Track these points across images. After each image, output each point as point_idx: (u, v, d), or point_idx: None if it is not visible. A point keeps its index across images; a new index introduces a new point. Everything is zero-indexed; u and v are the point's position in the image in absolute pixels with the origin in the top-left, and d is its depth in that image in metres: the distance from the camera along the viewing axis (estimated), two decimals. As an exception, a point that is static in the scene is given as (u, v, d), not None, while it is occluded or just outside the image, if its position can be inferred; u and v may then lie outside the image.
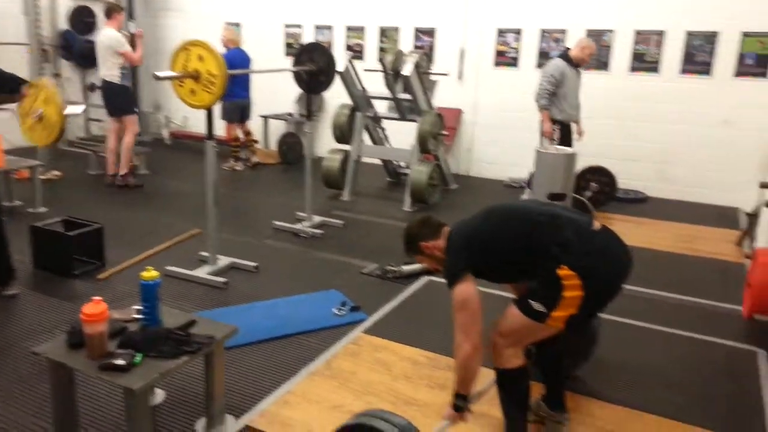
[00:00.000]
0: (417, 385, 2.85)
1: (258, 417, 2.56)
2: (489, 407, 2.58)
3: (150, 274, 2.31)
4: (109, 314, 2.22)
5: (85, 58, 7.95)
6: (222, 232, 4.68)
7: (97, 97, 7.48)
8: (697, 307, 3.88)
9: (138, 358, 2.12)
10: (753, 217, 5.05)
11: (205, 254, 4.23)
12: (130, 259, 4.27)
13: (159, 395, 2.69)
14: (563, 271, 2.01)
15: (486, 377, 2.39)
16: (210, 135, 3.86)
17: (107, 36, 5.98)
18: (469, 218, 2.33)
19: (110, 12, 6.09)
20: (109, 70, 6.03)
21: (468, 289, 2.12)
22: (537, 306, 2.07)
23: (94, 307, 2.11)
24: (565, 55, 5.63)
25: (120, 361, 2.07)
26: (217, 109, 7.22)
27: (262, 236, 4.98)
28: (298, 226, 5.11)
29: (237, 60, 6.96)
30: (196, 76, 3.59)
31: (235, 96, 7.01)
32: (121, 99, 6.22)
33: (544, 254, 2.07)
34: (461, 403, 2.20)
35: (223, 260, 4.22)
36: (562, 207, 2.41)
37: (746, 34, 6.08)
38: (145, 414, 2.11)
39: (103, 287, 3.83)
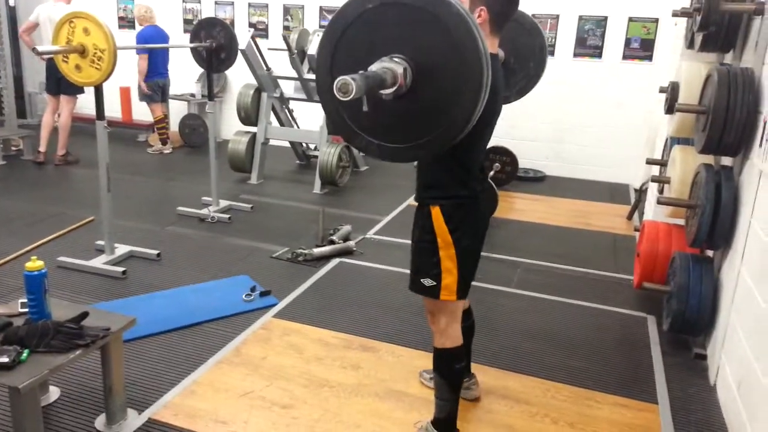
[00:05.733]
0: (329, 367, 2.83)
1: (162, 409, 2.45)
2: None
3: (34, 264, 2.13)
4: (-11, 309, 2.03)
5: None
6: (121, 220, 4.43)
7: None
8: (591, 278, 4.11)
9: (24, 354, 1.96)
10: (641, 192, 5.41)
11: (101, 243, 3.98)
12: (17, 251, 3.94)
13: (54, 393, 2.51)
14: (437, 217, 2.04)
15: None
16: (100, 115, 3.61)
17: (62, 11, 5.41)
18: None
19: None
20: None
21: None
22: (427, 282, 2.11)
23: (-30, 302, 1.93)
24: None
25: (3, 359, 1.90)
26: (135, 91, 7.01)
27: (165, 223, 4.76)
28: (203, 211, 4.92)
29: (153, 39, 6.61)
30: (81, 51, 3.34)
31: (157, 75, 6.83)
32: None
33: (460, 165, 2.05)
34: None
35: (122, 249, 3.99)
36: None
37: (631, 19, 6.47)
38: (34, 414, 1.96)
39: (-16, 282, 3.52)
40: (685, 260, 3.13)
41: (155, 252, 4.02)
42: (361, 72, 1.59)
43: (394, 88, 1.66)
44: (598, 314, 3.57)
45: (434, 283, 2.11)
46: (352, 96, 1.51)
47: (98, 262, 3.80)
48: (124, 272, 3.72)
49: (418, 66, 1.68)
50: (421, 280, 2.14)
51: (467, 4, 2.00)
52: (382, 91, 1.66)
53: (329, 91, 1.63)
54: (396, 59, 1.67)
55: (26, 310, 2.20)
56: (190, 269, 3.89)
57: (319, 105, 6.08)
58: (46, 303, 2.19)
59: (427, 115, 1.73)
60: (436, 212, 2.06)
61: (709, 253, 3.30)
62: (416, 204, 2.18)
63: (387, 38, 1.69)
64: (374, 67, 1.64)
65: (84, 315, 2.23)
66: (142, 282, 3.66)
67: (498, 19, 2.05)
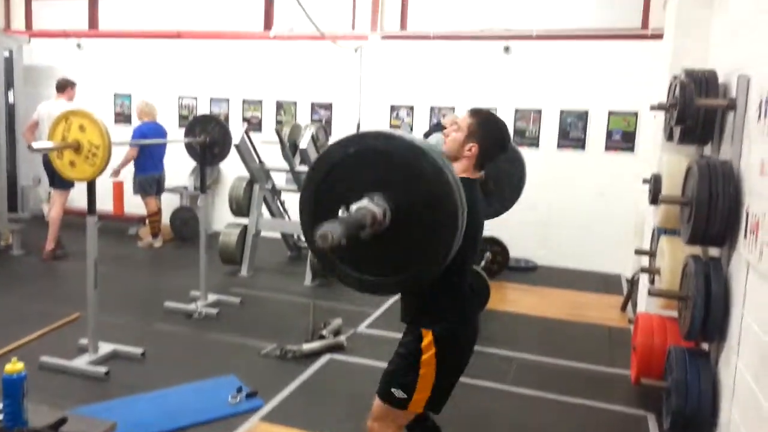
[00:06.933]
0: (318, 474, 2.69)
1: None
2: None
3: (14, 366, 2.05)
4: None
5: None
6: (107, 316, 4.34)
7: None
8: (587, 374, 4.01)
9: (-6, 470, 1.85)
10: (633, 282, 5.40)
11: (84, 342, 3.87)
12: (-3, 350, 3.83)
13: None
14: (426, 337, 2.06)
15: None
16: (91, 210, 3.63)
17: (62, 108, 5.58)
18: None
19: (64, 86, 6.32)
20: None
21: None
22: (398, 394, 2.10)
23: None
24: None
25: (-30, 477, 1.79)
26: (129, 185, 7.05)
27: (151, 319, 4.66)
28: (191, 306, 4.84)
29: (151, 134, 6.74)
30: (76, 147, 3.40)
31: (152, 169, 6.88)
32: None
33: (448, 287, 2.07)
34: None
35: (105, 347, 3.87)
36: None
37: (612, 113, 6.72)
38: None
39: (-41, 385, 3.38)
40: (681, 354, 3.07)
41: (140, 351, 3.91)
42: (340, 217, 1.67)
43: (373, 229, 1.73)
44: (597, 413, 3.45)
45: (405, 396, 2.10)
46: (330, 245, 1.55)
47: (81, 362, 3.69)
48: (107, 373, 3.60)
49: (398, 206, 1.77)
50: (392, 389, 2.12)
51: (462, 135, 2.18)
52: (360, 232, 1.73)
53: (311, 232, 1.72)
54: (376, 199, 1.76)
55: (0, 417, 2.10)
56: (174, 369, 3.77)
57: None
58: (23, 409, 2.09)
59: (406, 252, 1.82)
60: (428, 338, 2.07)
61: (705, 345, 3.24)
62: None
63: (367, 180, 1.80)
64: (354, 208, 1.72)
65: (62, 421, 2.13)
66: (125, 383, 3.53)
67: (485, 156, 2.22)
